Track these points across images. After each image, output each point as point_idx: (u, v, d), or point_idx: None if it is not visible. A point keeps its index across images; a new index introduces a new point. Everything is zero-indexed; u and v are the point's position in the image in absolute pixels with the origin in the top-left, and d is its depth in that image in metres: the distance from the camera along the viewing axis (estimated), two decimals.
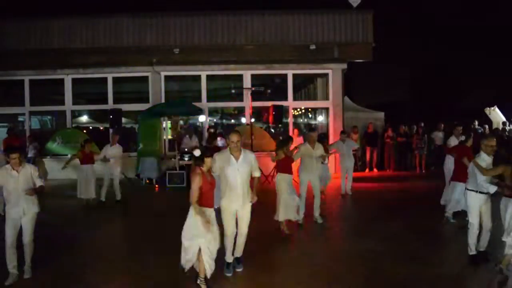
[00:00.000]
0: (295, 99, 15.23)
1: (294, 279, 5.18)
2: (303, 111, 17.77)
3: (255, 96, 13.34)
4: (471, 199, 5.62)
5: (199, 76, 14.34)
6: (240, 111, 16.32)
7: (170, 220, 8.25)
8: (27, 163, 5.65)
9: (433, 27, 32.35)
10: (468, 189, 5.69)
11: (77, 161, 9.57)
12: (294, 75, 14.56)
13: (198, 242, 4.66)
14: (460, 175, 6.78)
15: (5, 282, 5.08)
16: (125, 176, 11.27)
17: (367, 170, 14.76)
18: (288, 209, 6.92)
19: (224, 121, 19.05)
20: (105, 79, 14.40)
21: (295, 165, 7.53)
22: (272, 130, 15.26)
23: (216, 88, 15.57)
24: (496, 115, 16.72)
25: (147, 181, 12.37)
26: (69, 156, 13.57)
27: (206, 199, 4.79)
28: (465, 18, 29.77)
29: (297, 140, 11.43)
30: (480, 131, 15.03)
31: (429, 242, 6.55)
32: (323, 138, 9.80)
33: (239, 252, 5.38)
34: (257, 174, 5.38)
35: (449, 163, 8.75)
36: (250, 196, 5.24)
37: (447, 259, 5.76)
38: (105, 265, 5.76)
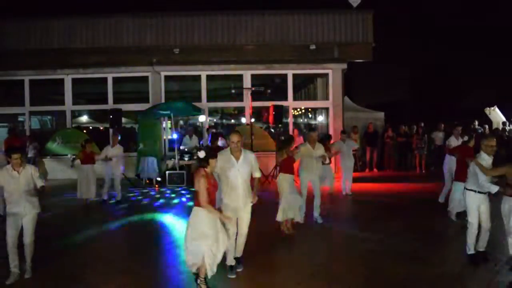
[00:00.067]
0: (295, 99, 15.24)
1: (294, 279, 5.18)
2: (303, 111, 17.78)
3: (255, 96, 13.35)
4: (470, 199, 5.63)
5: (199, 76, 14.35)
6: (240, 111, 16.33)
7: (170, 220, 8.29)
8: (27, 163, 5.66)
9: (433, 27, 32.35)
10: (467, 189, 5.70)
11: (77, 161, 9.59)
12: (294, 75, 14.57)
13: (201, 244, 4.62)
14: (462, 175, 6.77)
15: (6, 281, 5.10)
16: (125, 176, 11.26)
17: (367, 170, 14.76)
18: (289, 210, 6.92)
19: (224, 121, 19.06)
20: (105, 79, 14.42)
21: (295, 165, 7.52)
22: (272, 130, 15.25)
23: (216, 88, 15.58)
24: (496, 115, 16.72)
25: (147, 181, 12.38)
26: (69, 156, 13.65)
27: (210, 201, 4.77)
28: (465, 18, 29.75)
29: (298, 140, 11.43)
30: (480, 131, 15.03)
31: (429, 242, 6.55)
32: (326, 137, 9.80)
33: (239, 252, 5.38)
34: (257, 174, 5.38)
35: (449, 163, 8.76)
36: (251, 197, 5.24)
37: (447, 259, 5.76)
38: (105, 265, 5.76)
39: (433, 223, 7.78)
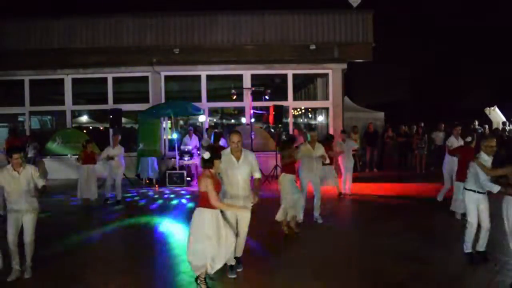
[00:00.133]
0: (295, 99, 15.25)
1: (294, 279, 5.18)
2: (303, 111, 17.78)
3: (255, 96, 13.35)
4: (469, 199, 5.67)
5: (199, 76, 14.35)
6: (240, 111, 16.33)
7: (170, 221, 8.28)
8: (27, 163, 5.66)
9: (433, 27, 32.37)
10: (466, 189, 5.73)
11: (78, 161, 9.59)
12: (294, 75, 14.58)
13: (205, 245, 4.62)
14: (463, 175, 6.76)
15: (8, 278, 5.12)
16: (125, 176, 11.26)
17: (367, 170, 14.76)
18: (290, 210, 6.91)
19: (224, 121, 19.06)
20: (105, 79, 14.42)
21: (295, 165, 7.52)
22: (272, 130, 15.26)
23: (216, 88, 15.58)
24: (496, 115, 16.72)
25: (147, 181, 12.38)
26: (69, 156, 13.67)
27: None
28: (465, 18, 29.76)
29: (299, 140, 11.43)
30: (480, 131, 15.04)
31: (429, 242, 6.55)
32: (330, 137, 9.80)
33: (239, 252, 5.38)
34: (257, 175, 5.36)
35: (449, 163, 8.75)
36: (251, 197, 5.23)
37: (447, 259, 5.76)
38: (105, 266, 5.75)
39: (433, 223, 7.78)
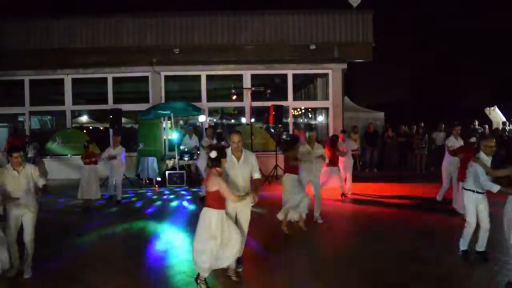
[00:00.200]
0: (295, 99, 15.24)
1: (294, 279, 5.18)
2: (303, 111, 17.78)
3: (255, 96, 13.34)
4: (468, 199, 5.69)
5: (199, 76, 14.36)
6: (240, 111, 16.32)
7: (170, 221, 8.28)
8: (27, 163, 5.66)
9: (433, 27, 32.38)
10: (465, 189, 5.75)
11: (79, 161, 9.59)
12: (294, 75, 14.58)
13: (211, 245, 4.62)
14: (465, 175, 6.78)
15: (7, 273, 5.12)
16: (125, 176, 11.25)
17: (367, 170, 14.75)
18: (292, 211, 6.91)
19: (224, 121, 19.06)
20: (105, 79, 14.42)
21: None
22: (272, 130, 15.26)
23: (216, 88, 15.58)
24: (496, 115, 16.72)
25: (147, 181, 12.38)
26: (69, 156, 13.66)
27: (221, 201, 4.76)
28: (465, 18, 29.77)
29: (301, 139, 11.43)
30: (480, 131, 15.03)
31: (429, 242, 6.56)
32: (336, 138, 9.78)
33: (239, 252, 5.37)
34: (257, 175, 5.35)
35: (449, 163, 8.74)
36: (251, 197, 5.22)
37: (447, 259, 5.76)
38: (105, 265, 5.75)
39: (433, 223, 7.77)
